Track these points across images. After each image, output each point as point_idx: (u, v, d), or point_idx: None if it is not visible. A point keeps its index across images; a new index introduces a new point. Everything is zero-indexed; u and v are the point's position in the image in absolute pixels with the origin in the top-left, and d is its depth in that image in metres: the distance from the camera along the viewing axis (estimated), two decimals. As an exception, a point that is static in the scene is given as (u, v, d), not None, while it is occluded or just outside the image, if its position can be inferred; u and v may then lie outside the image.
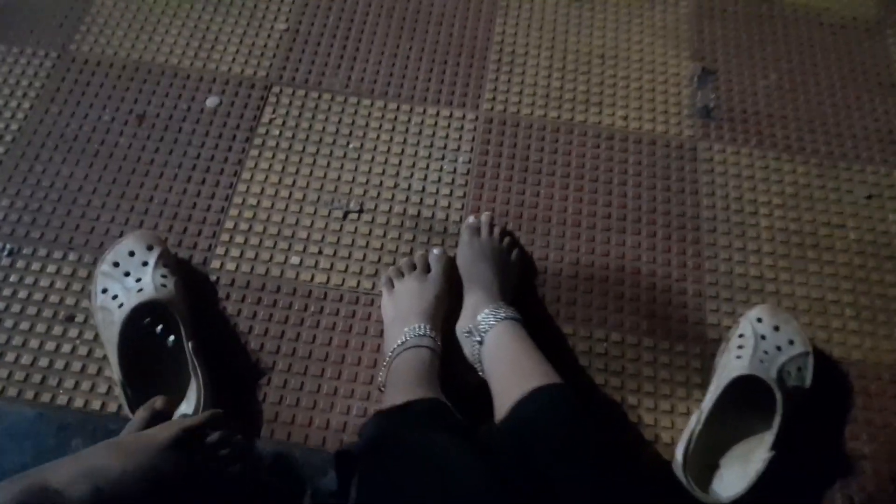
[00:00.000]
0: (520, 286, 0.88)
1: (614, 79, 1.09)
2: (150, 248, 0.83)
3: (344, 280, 0.89)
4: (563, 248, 0.93)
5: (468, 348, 0.79)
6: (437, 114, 1.04)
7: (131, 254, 0.83)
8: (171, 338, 0.80)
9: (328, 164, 0.98)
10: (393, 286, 0.85)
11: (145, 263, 0.82)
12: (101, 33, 1.08)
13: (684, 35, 1.14)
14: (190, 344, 0.77)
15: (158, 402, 0.68)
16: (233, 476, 0.69)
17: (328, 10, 1.12)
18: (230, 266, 0.89)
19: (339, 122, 1.02)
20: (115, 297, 0.79)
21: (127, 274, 0.81)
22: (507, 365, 0.71)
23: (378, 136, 1.01)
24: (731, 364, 0.79)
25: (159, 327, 0.81)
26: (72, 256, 0.89)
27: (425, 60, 1.09)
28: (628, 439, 0.79)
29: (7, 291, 0.86)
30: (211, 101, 1.03)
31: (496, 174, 0.99)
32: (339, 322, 0.86)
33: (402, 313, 0.80)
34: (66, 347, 0.83)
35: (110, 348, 0.76)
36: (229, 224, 0.93)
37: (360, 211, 0.95)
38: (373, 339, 0.85)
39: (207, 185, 0.96)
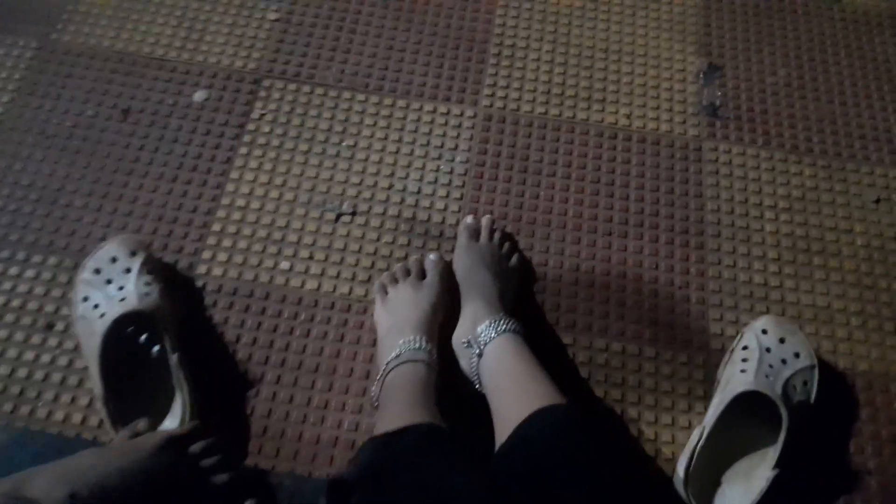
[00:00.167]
0: (519, 293, 0.85)
1: (617, 74, 1.05)
2: (133, 253, 0.80)
3: (336, 287, 0.86)
4: (563, 252, 0.90)
5: (465, 360, 0.76)
6: (434, 110, 1.00)
7: (113, 260, 0.79)
8: (156, 347, 0.77)
9: (320, 162, 0.95)
10: (386, 293, 0.82)
11: (128, 270, 0.79)
12: (83, 22, 1.03)
13: (690, 28, 1.10)
14: (175, 356, 0.74)
15: (141, 424, 0.66)
16: (219, 486, 0.67)
17: (321, 0, 1.08)
18: (217, 271, 0.86)
19: (332, 117, 0.98)
20: (96, 305, 0.76)
21: (109, 281, 0.78)
22: (507, 383, 0.68)
23: (372, 134, 0.97)
24: (735, 378, 0.76)
25: (143, 336, 0.78)
26: (52, 260, 0.85)
27: (422, 54, 1.05)
28: (634, 460, 0.77)
29: (-15, 297, 0.83)
30: (198, 95, 0.99)
31: (495, 175, 0.96)
32: (331, 331, 0.83)
33: (397, 324, 0.77)
34: (46, 358, 0.80)
35: (91, 361, 0.73)
36: (217, 226, 0.89)
37: (354, 213, 0.91)
38: (366, 349, 0.82)
39: (194, 184, 0.92)
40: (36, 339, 0.81)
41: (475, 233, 0.86)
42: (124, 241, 0.81)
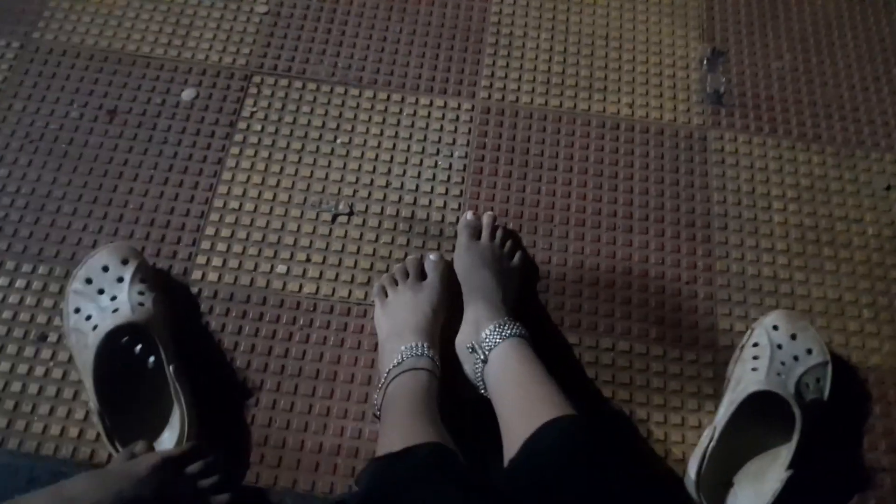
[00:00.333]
0: (521, 292, 0.83)
1: (619, 62, 1.02)
2: (125, 261, 0.78)
3: (334, 290, 0.84)
4: (566, 249, 0.88)
5: (469, 365, 0.74)
6: (431, 103, 0.97)
7: (105, 269, 0.77)
8: (152, 358, 0.75)
9: (314, 161, 0.92)
10: (386, 296, 0.79)
11: (120, 279, 0.76)
12: (66, 19, 1.00)
13: (693, 13, 1.07)
14: (171, 367, 0.72)
15: (139, 446, 0.64)
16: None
17: (311, -9, 1.04)
18: (212, 276, 0.84)
19: (326, 114, 0.95)
20: (88, 317, 0.74)
21: (101, 291, 0.76)
22: (514, 392, 0.66)
23: (367, 130, 0.95)
24: (746, 377, 0.74)
25: (138, 347, 0.76)
26: (42, 269, 0.83)
27: (416, 45, 1.01)
28: (648, 474, 0.75)
29: (-26, 309, 0.80)
30: (187, 94, 0.96)
31: (494, 170, 0.93)
32: (331, 336, 0.81)
33: (397, 329, 0.75)
34: (40, 370, 0.78)
35: (85, 374, 0.71)
36: (210, 230, 0.87)
37: (350, 213, 0.89)
38: (366, 354, 0.80)
39: (185, 187, 0.89)
40: (28, 351, 0.79)
41: (476, 231, 0.84)
42: (116, 249, 0.79)
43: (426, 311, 0.76)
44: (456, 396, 0.74)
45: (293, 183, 0.90)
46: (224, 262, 0.85)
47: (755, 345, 0.77)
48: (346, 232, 0.87)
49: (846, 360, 0.83)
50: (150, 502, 0.57)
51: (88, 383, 0.71)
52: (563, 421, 0.58)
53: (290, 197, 0.89)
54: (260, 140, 0.93)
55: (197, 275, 0.84)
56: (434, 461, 0.55)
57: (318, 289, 0.84)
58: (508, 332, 0.71)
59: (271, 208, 0.88)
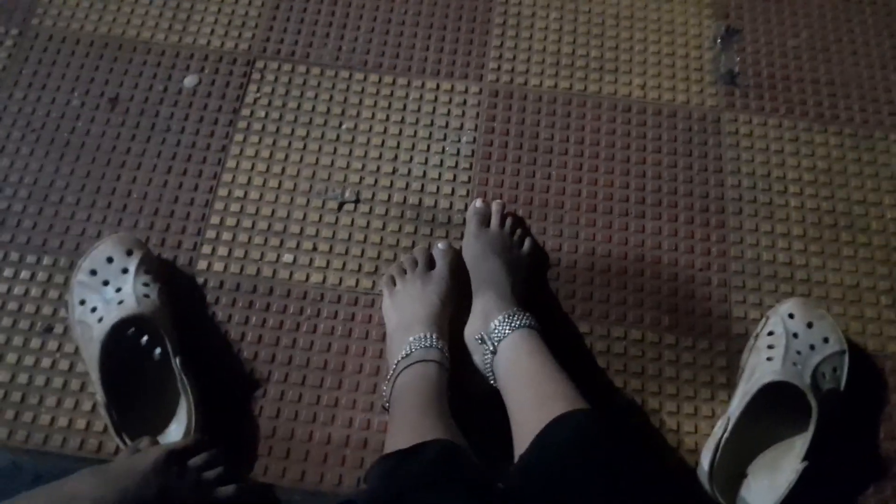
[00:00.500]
0: (532, 281, 0.82)
1: (630, 42, 0.99)
2: (129, 252, 0.77)
3: (341, 279, 0.83)
4: (577, 236, 0.86)
5: (479, 356, 0.73)
6: (437, 87, 0.95)
7: (109, 260, 0.76)
8: (158, 350, 0.75)
9: (319, 147, 0.90)
10: (395, 286, 0.78)
11: (125, 270, 0.75)
12: (65, 5, 0.98)
13: (707, -10, 1.04)
14: (178, 359, 0.71)
15: (144, 442, 0.64)
16: (224, 500, 0.65)
17: (313, -28, 1.02)
18: (218, 266, 0.83)
19: (331, 99, 0.93)
20: (94, 309, 0.73)
21: (106, 283, 0.75)
22: (524, 384, 0.65)
23: (373, 115, 0.93)
24: (761, 366, 0.73)
25: (144, 339, 0.75)
26: (46, 261, 0.82)
27: (422, 26, 0.99)
28: (660, 467, 0.74)
29: (-21, 301, 0.80)
30: (189, 80, 0.94)
31: (503, 155, 0.91)
32: (338, 326, 0.80)
33: (406, 319, 0.73)
34: (46, 362, 0.77)
35: (91, 366, 0.71)
36: (215, 219, 0.85)
37: (357, 201, 0.87)
38: (375, 344, 0.79)
39: (189, 175, 0.88)
40: (35, 342, 0.78)
41: (485, 218, 0.82)
42: (120, 240, 0.78)
43: (435, 301, 0.75)
44: (465, 387, 0.74)
45: (298, 170, 0.89)
46: (229, 251, 0.84)
47: (770, 333, 0.76)
48: (353, 220, 0.86)
49: (863, 348, 0.81)
50: (154, 497, 0.57)
51: (95, 376, 0.70)
52: (576, 415, 0.57)
53: (295, 185, 0.88)
54: (264, 127, 0.91)
55: (202, 265, 0.83)
56: (443, 461, 0.54)
57: (324, 278, 0.83)
58: (518, 322, 0.70)
59: (276, 196, 0.87)
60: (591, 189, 0.89)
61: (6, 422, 0.75)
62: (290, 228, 0.85)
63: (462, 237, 0.84)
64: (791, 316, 0.76)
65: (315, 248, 0.84)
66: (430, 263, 0.80)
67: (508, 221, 0.83)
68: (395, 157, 0.90)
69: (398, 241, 0.85)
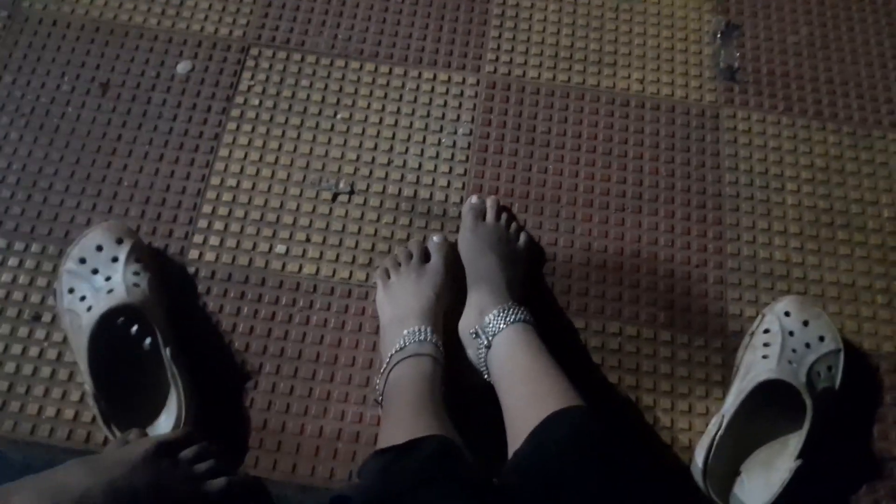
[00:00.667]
0: (527, 276, 0.81)
1: (629, 36, 0.98)
2: (119, 241, 0.75)
3: (335, 271, 0.82)
4: (573, 231, 0.86)
5: (473, 350, 0.73)
6: (434, 77, 0.94)
7: (99, 248, 0.75)
8: (148, 340, 0.74)
9: (314, 137, 0.89)
10: (389, 279, 0.77)
11: (115, 259, 0.74)
12: (55, -13, 0.96)
13: (707, -16, 1.03)
14: (168, 350, 0.70)
15: (133, 434, 0.63)
16: (215, 493, 0.64)
17: (310, -42, 1.00)
18: (210, 256, 0.82)
19: (325, 88, 0.92)
20: (82, 298, 0.72)
21: (95, 272, 0.74)
22: (519, 379, 0.65)
23: (368, 105, 0.91)
24: (756, 364, 0.73)
25: (134, 329, 0.74)
26: (34, 248, 0.81)
27: (420, 15, 0.98)
28: (655, 465, 0.74)
29: (-35, 288, 0.78)
30: (182, 67, 0.92)
31: (500, 147, 0.90)
32: (331, 318, 0.79)
33: (400, 313, 0.73)
34: (34, 351, 0.76)
35: (80, 356, 0.70)
36: (207, 208, 0.84)
37: (351, 192, 0.86)
38: (368, 337, 0.79)
39: (181, 163, 0.87)
40: (22, 331, 0.77)
41: (481, 213, 0.81)
42: (110, 228, 0.76)
43: (429, 295, 0.74)
44: (458, 382, 0.73)
45: (292, 160, 0.87)
46: (221, 241, 0.82)
47: (766, 331, 0.76)
48: (347, 211, 0.85)
49: (858, 347, 0.81)
50: (143, 489, 0.56)
51: (83, 366, 0.69)
52: (571, 412, 0.57)
53: (288, 175, 0.86)
54: (258, 115, 0.90)
55: (194, 254, 0.82)
56: (439, 457, 0.53)
57: (317, 270, 0.82)
58: (513, 317, 0.69)
59: (270, 186, 0.86)
60: (588, 183, 0.89)
61: (-8, 412, 0.73)
62: (284, 219, 0.84)
63: (457, 230, 0.83)
64: (787, 314, 0.76)
65: (308, 239, 0.83)
66: (425, 256, 0.79)
67: (504, 216, 0.82)
68: (391, 148, 0.89)
69: (393, 233, 0.84)
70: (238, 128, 0.89)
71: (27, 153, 0.85)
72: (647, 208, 0.87)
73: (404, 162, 0.88)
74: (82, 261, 0.74)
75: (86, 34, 0.93)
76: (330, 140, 0.89)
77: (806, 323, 0.75)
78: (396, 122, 0.91)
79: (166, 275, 0.79)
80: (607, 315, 0.81)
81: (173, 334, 0.73)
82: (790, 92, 0.96)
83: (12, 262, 0.80)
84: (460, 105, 0.92)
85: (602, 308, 0.82)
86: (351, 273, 0.82)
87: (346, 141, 0.89)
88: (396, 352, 0.68)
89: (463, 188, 0.87)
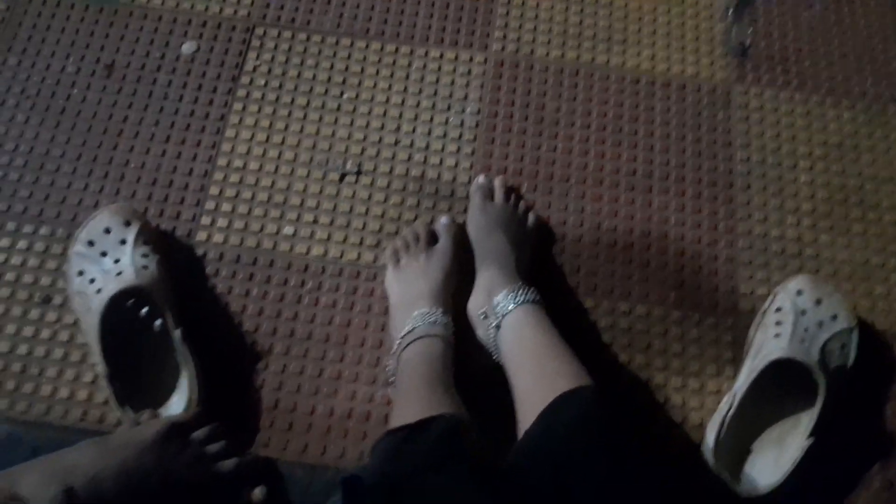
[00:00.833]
0: (536, 255, 0.80)
1: (639, 12, 0.97)
2: (127, 223, 0.75)
3: (343, 252, 0.81)
4: (583, 210, 0.85)
5: (482, 330, 0.72)
6: (441, 56, 0.93)
7: (107, 231, 0.74)
8: (158, 322, 0.73)
9: (320, 117, 0.88)
10: (398, 261, 0.77)
11: (123, 241, 0.74)
12: (58, -33, 0.95)
13: (719, -42, 1.01)
14: (177, 332, 0.70)
15: (145, 416, 0.63)
16: (226, 473, 0.65)
17: (315, -64, 0.99)
18: (218, 238, 0.82)
19: (332, 67, 0.91)
20: (92, 280, 0.72)
21: (104, 254, 0.74)
22: (528, 360, 0.64)
23: (375, 84, 0.91)
24: (768, 343, 0.72)
25: (143, 311, 0.74)
26: (44, 230, 0.81)
27: (426, -7, 0.96)
28: (664, 446, 0.73)
29: (-25, 271, 0.79)
30: (187, 47, 0.91)
31: (508, 126, 0.89)
32: (340, 299, 0.79)
33: (410, 294, 0.72)
34: (46, 333, 0.76)
35: (91, 338, 0.70)
36: (214, 190, 0.84)
37: (359, 172, 0.86)
38: (377, 318, 0.78)
39: (188, 145, 0.86)
40: (34, 313, 0.77)
41: (489, 193, 0.80)
42: (118, 210, 0.76)
43: (438, 276, 0.74)
44: (467, 363, 0.73)
45: (299, 141, 0.87)
46: (229, 223, 0.82)
47: (778, 310, 0.75)
48: (355, 192, 0.84)
49: (871, 325, 0.80)
50: (153, 469, 0.56)
51: (95, 347, 0.69)
52: (581, 393, 0.56)
53: (295, 155, 0.86)
54: (264, 96, 0.89)
55: (202, 236, 0.82)
56: (449, 437, 0.53)
57: (326, 251, 0.81)
58: (522, 297, 0.69)
59: (276, 167, 0.85)
60: (598, 162, 0.88)
61: (7, 393, 0.74)
62: (291, 200, 0.84)
63: (465, 211, 0.82)
64: (799, 293, 0.75)
65: (316, 221, 0.83)
66: (433, 238, 0.78)
67: (513, 196, 0.81)
68: (398, 128, 0.88)
69: (400, 214, 0.84)
70: (244, 108, 0.88)
71: (34, 136, 0.85)
72: (658, 187, 0.86)
73: (412, 142, 0.87)
74: (91, 243, 0.74)
75: (90, 15, 0.92)
76: (336, 120, 0.88)
77: (819, 301, 0.74)
78: (403, 101, 0.90)
79: (174, 257, 0.79)
80: (617, 295, 0.81)
81: (182, 316, 0.73)
82: (803, 68, 0.94)
83: (22, 244, 0.80)
84: (468, 84, 0.91)
85: (612, 288, 0.81)
86: (359, 255, 0.81)
87: (352, 121, 0.88)
88: (407, 333, 0.68)
89: (471, 168, 0.86)
